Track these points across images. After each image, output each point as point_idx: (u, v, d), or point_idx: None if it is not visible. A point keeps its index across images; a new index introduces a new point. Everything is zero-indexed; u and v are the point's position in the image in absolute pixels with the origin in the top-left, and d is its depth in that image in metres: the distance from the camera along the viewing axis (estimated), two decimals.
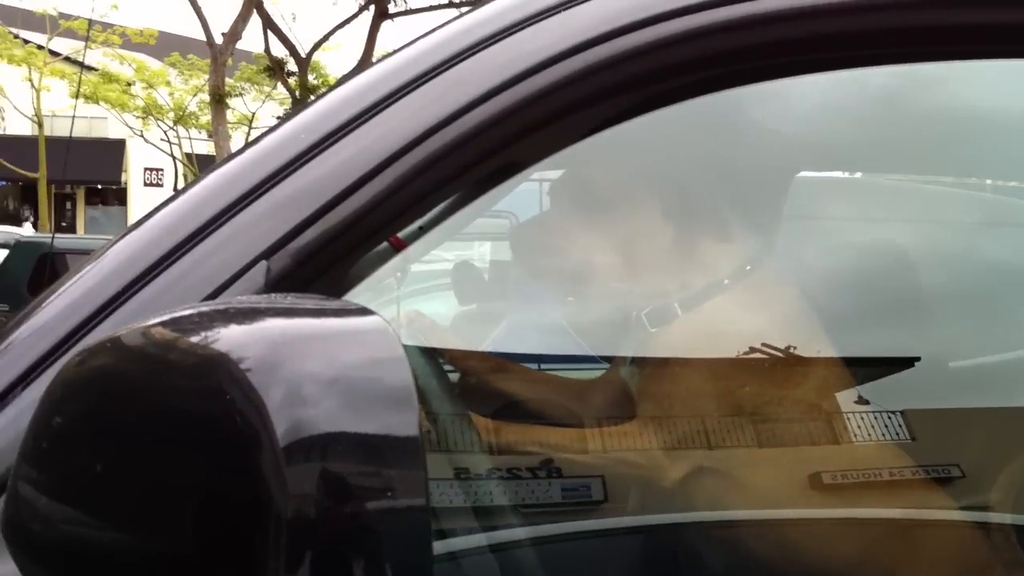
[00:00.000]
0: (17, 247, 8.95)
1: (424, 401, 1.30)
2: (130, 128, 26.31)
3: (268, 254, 0.73)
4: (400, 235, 0.85)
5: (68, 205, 33.30)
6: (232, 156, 0.81)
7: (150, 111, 25.33)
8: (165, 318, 0.56)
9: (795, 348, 1.25)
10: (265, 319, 0.53)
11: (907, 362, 1.33)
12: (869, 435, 1.26)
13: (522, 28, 0.80)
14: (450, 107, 0.77)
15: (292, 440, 0.47)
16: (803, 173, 1.48)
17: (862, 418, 1.26)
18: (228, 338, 0.51)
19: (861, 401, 1.28)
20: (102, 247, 0.79)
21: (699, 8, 0.79)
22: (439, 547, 1.17)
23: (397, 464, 0.50)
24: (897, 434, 1.26)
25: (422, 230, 0.88)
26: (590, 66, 0.78)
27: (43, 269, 8.26)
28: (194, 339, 0.52)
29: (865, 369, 1.31)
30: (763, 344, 1.25)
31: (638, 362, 1.31)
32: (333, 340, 0.51)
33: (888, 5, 0.83)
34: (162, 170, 30.31)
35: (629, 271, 1.28)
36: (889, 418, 1.27)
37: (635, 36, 0.77)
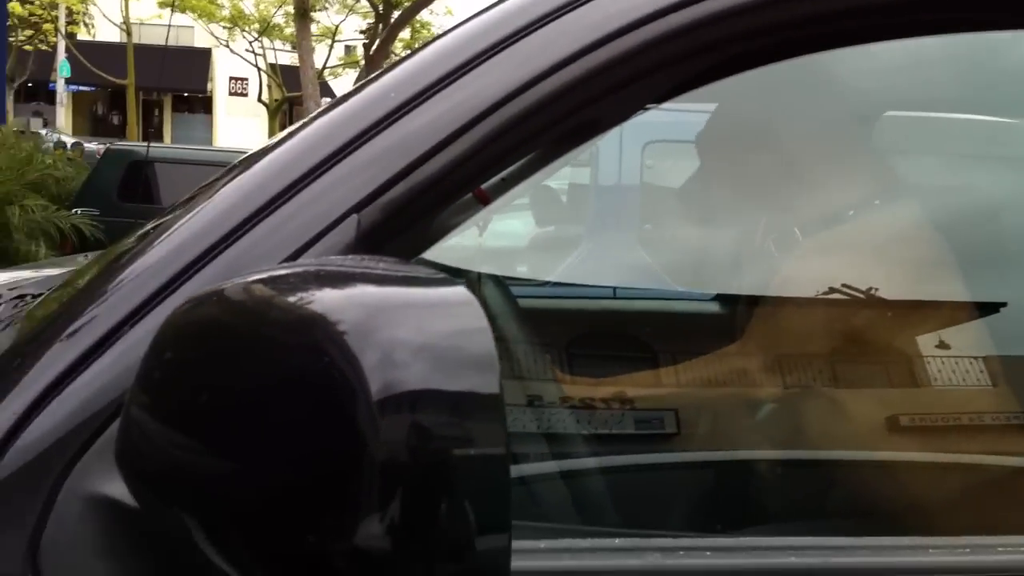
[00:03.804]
0: (108, 155, 9.18)
1: (502, 330, 1.34)
2: (215, 38, 26.48)
3: (359, 208, 0.76)
4: (484, 187, 0.88)
5: (156, 112, 33.91)
6: (323, 112, 0.84)
7: (236, 21, 25.44)
8: (264, 276, 0.60)
9: (899, 288, 1.26)
10: (360, 285, 0.57)
11: (992, 307, 1.31)
12: (949, 380, 1.25)
13: None
14: (537, 68, 0.79)
15: (385, 395, 0.52)
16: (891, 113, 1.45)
17: (943, 362, 1.26)
18: (325, 300, 0.56)
19: (942, 346, 1.28)
20: (199, 196, 0.82)
21: None
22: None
23: (479, 418, 0.54)
24: (978, 380, 1.26)
25: (505, 182, 0.90)
26: (673, 30, 0.79)
27: (133, 177, 8.49)
28: (291, 298, 0.57)
29: (948, 313, 1.30)
30: (843, 285, 1.25)
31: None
32: (422, 309, 0.56)
33: None
34: (247, 79, 30.56)
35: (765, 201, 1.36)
36: (971, 363, 1.27)
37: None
